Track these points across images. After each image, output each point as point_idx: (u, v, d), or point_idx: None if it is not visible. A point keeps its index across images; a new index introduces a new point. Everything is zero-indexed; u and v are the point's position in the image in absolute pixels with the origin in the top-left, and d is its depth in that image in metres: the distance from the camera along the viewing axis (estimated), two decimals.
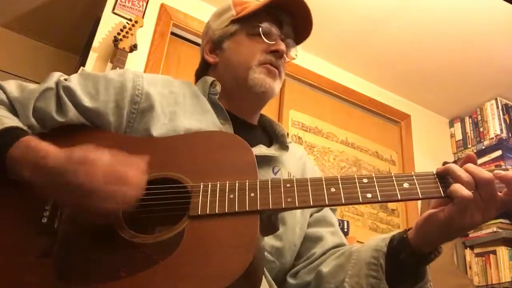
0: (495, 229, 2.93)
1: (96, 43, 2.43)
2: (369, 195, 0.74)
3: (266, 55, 1.04)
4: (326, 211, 1.07)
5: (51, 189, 0.73)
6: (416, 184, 0.75)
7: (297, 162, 1.09)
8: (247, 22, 1.07)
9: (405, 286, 0.84)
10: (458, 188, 0.73)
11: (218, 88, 1.03)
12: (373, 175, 0.77)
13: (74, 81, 0.93)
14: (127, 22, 2.38)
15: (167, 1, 2.73)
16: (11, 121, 0.82)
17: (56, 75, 0.94)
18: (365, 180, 0.75)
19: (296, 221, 0.99)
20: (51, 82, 0.92)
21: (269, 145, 1.06)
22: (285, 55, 1.07)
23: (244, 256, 0.67)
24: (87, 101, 0.90)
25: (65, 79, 0.94)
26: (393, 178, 0.76)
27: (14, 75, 3.23)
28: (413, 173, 0.76)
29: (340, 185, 0.75)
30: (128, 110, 0.92)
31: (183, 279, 0.67)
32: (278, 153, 1.02)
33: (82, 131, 0.89)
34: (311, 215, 1.05)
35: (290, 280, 0.97)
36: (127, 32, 2.31)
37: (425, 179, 0.76)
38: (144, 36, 2.50)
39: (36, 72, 3.29)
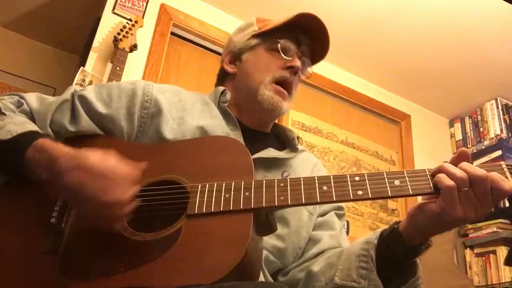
0: (495, 229, 2.92)
1: (96, 43, 2.43)
2: (360, 192, 0.75)
3: (281, 72, 1.08)
4: (331, 216, 1.08)
5: (61, 188, 0.76)
6: (407, 181, 0.76)
7: (309, 170, 1.11)
8: (267, 38, 1.12)
9: (397, 282, 0.84)
10: (442, 178, 0.74)
11: (228, 96, 1.08)
12: (365, 173, 0.78)
13: (89, 90, 1.00)
14: (127, 22, 2.39)
15: (167, 1, 2.73)
16: (32, 126, 0.89)
17: (73, 87, 1.00)
18: (357, 178, 0.77)
19: (302, 224, 1.00)
20: (67, 94, 0.98)
21: (281, 150, 1.08)
22: (300, 72, 1.11)
23: (237, 251, 0.69)
24: (101, 108, 0.96)
25: (81, 89, 1.00)
26: (385, 175, 0.77)
27: (14, 75, 3.23)
28: (404, 171, 0.77)
29: (332, 183, 0.77)
30: (139, 115, 0.97)
31: (178, 273, 0.70)
32: (287, 155, 1.05)
33: (95, 140, 0.95)
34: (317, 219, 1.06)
35: (280, 278, 0.98)
36: (127, 32, 2.32)
37: (416, 176, 0.77)
38: (144, 36, 2.51)
39: (36, 72, 3.30)
